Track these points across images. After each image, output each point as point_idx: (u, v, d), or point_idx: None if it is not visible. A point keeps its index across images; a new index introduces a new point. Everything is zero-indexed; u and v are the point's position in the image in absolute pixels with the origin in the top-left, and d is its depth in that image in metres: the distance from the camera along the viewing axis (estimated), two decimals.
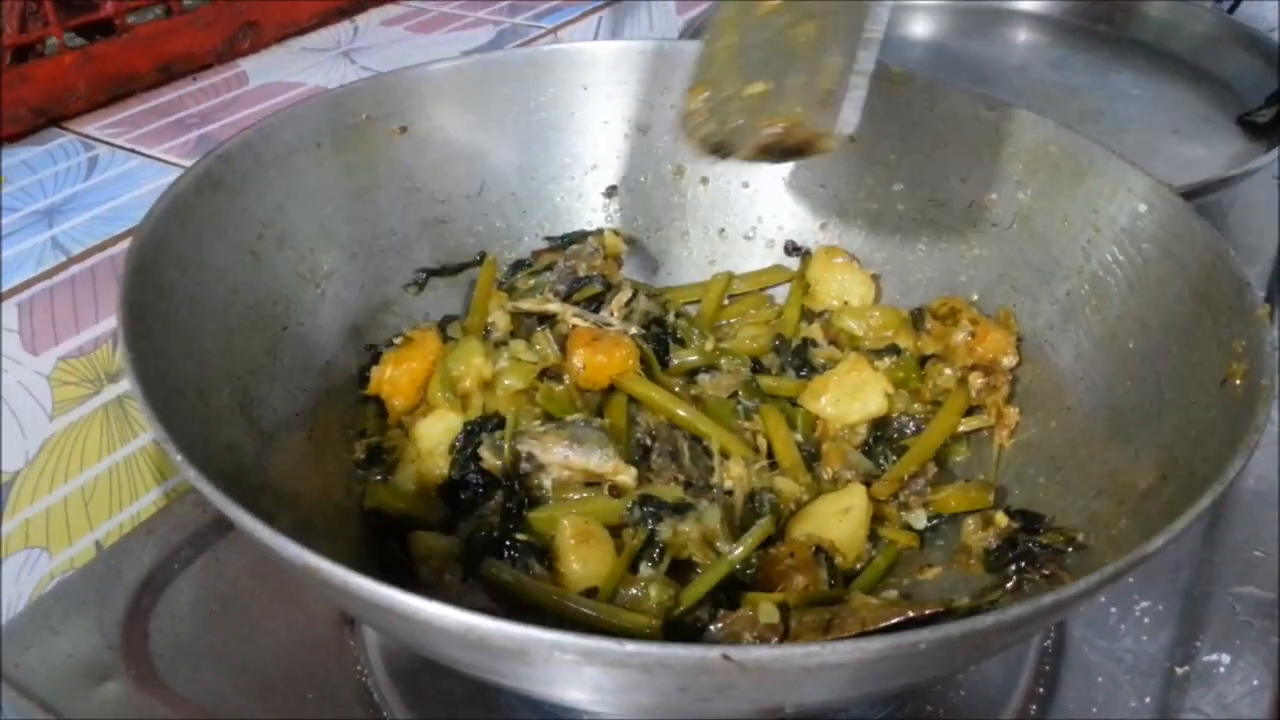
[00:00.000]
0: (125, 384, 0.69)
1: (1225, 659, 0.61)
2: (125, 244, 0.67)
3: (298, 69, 0.91)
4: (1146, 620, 0.63)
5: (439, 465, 0.61)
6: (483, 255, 0.74)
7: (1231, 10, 1.29)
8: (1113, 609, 0.64)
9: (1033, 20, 1.28)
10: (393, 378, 0.65)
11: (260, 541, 0.39)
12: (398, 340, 0.67)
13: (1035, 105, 1.04)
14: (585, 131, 0.76)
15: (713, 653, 0.36)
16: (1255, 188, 1.01)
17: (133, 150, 0.78)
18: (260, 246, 0.63)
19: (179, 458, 0.42)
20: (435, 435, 0.62)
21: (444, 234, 0.73)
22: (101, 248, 0.67)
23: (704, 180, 0.77)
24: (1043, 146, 0.65)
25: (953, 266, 0.70)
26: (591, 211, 0.77)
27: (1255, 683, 0.60)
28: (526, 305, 0.70)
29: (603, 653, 0.36)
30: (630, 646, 0.36)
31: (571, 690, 0.43)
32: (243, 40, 0.93)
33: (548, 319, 0.70)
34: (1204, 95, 1.11)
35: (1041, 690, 0.60)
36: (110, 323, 0.68)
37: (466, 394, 0.64)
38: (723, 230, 0.78)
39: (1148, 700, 0.59)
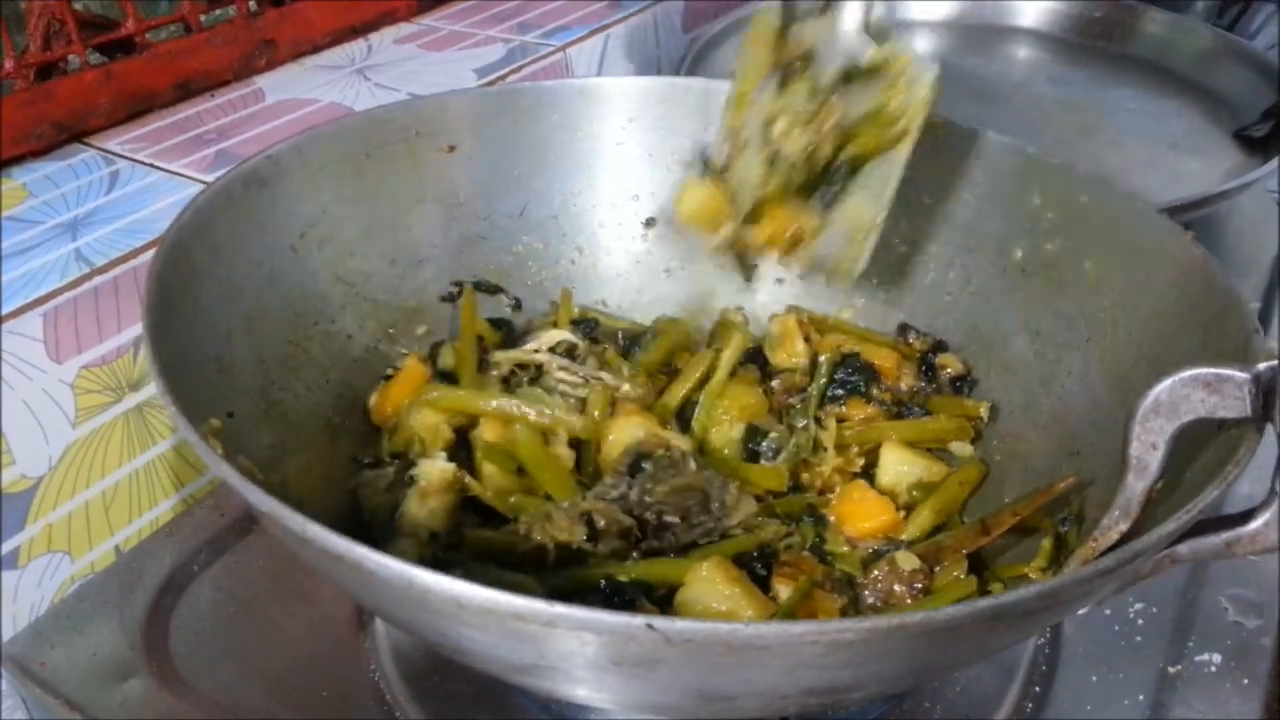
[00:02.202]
0: (145, 392, 0.71)
1: (1216, 659, 0.63)
2: (146, 255, 0.69)
3: (313, 86, 0.94)
4: (1140, 621, 0.65)
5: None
6: (460, 286, 0.75)
7: (1231, 28, 1.31)
8: (1107, 610, 0.65)
9: (1033, 37, 1.30)
10: (377, 404, 0.68)
11: (238, 492, 0.41)
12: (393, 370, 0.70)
13: (1035, 121, 1.09)
14: (629, 162, 0.78)
15: (637, 620, 0.36)
16: (1251, 201, 1.03)
17: (153, 165, 0.80)
18: (302, 244, 0.66)
19: (173, 409, 0.45)
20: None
21: (484, 250, 0.76)
22: (123, 259, 0.69)
23: None
24: (1075, 196, 0.66)
25: (979, 310, 0.71)
26: (630, 239, 0.80)
27: (1245, 682, 0.61)
28: (516, 354, 0.71)
29: (528, 612, 0.37)
30: (559, 609, 0.36)
31: (516, 655, 0.42)
32: (259, 58, 0.95)
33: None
34: (1201, 110, 1.12)
35: (1037, 689, 0.61)
36: (132, 332, 0.70)
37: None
38: (754, 266, 0.79)
39: (1141, 699, 0.61)
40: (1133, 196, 0.63)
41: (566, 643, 0.39)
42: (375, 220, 0.70)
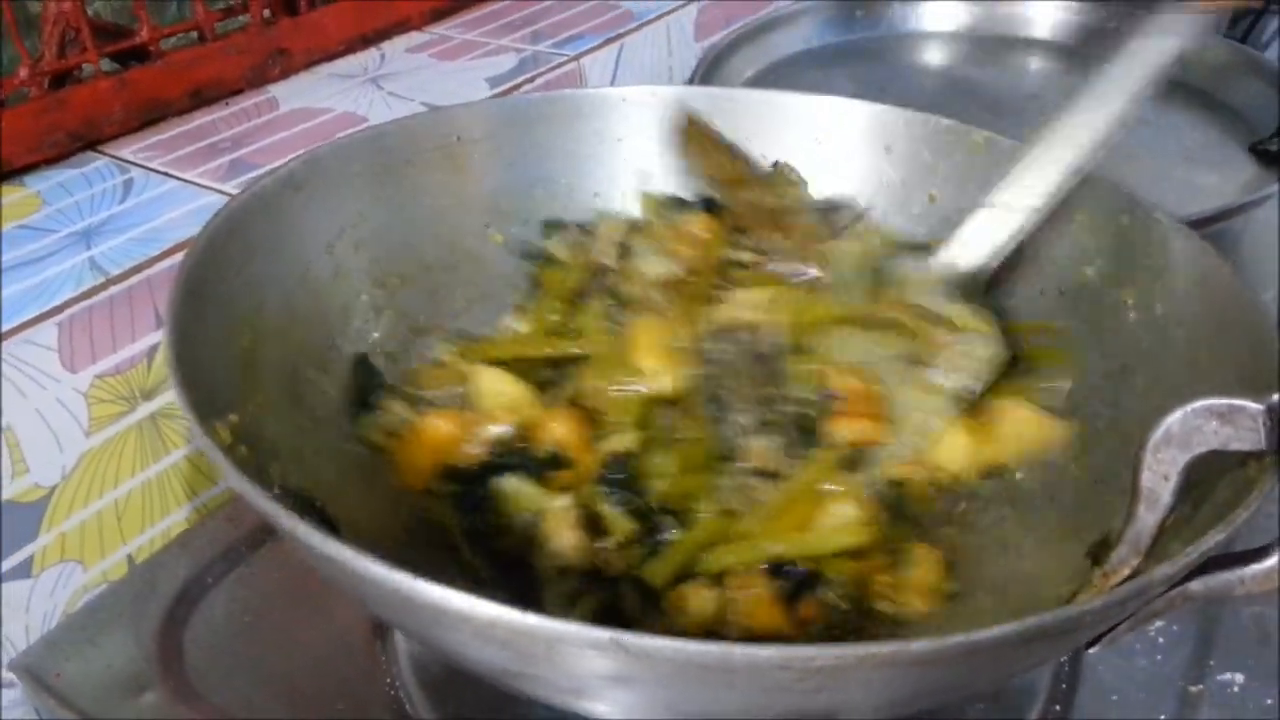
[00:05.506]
0: (159, 401, 0.71)
1: (1239, 678, 0.62)
2: (161, 265, 0.69)
3: (326, 94, 0.93)
4: (1161, 640, 0.64)
5: None
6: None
7: (1243, 39, 1.31)
8: None
9: (1046, 48, 1.30)
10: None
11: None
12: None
13: None
14: (673, 171, 0.77)
15: (603, 634, 0.35)
16: (1267, 215, 1.02)
17: (167, 174, 0.80)
18: (338, 245, 0.66)
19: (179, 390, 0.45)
20: None
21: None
22: (138, 269, 0.69)
23: None
24: (1115, 217, 0.64)
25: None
26: None
27: (1268, 702, 0.61)
28: None
29: (468, 616, 0.37)
30: (528, 619, 0.36)
31: (494, 660, 0.42)
32: (273, 66, 0.95)
33: None
34: (1215, 123, 1.12)
35: (1058, 708, 0.61)
36: (146, 341, 0.69)
37: None
38: None
39: (1162, 718, 0.60)
40: (1177, 222, 0.61)
41: (539, 651, 0.38)
42: (412, 225, 0.70)
